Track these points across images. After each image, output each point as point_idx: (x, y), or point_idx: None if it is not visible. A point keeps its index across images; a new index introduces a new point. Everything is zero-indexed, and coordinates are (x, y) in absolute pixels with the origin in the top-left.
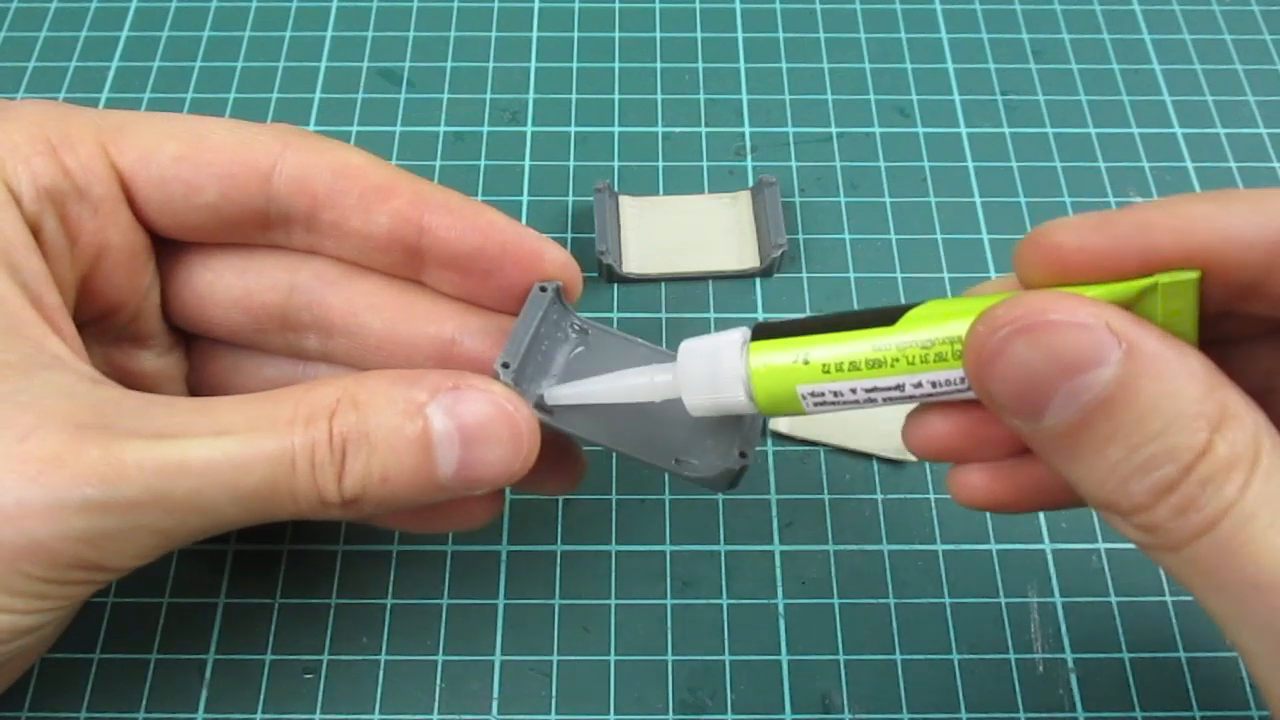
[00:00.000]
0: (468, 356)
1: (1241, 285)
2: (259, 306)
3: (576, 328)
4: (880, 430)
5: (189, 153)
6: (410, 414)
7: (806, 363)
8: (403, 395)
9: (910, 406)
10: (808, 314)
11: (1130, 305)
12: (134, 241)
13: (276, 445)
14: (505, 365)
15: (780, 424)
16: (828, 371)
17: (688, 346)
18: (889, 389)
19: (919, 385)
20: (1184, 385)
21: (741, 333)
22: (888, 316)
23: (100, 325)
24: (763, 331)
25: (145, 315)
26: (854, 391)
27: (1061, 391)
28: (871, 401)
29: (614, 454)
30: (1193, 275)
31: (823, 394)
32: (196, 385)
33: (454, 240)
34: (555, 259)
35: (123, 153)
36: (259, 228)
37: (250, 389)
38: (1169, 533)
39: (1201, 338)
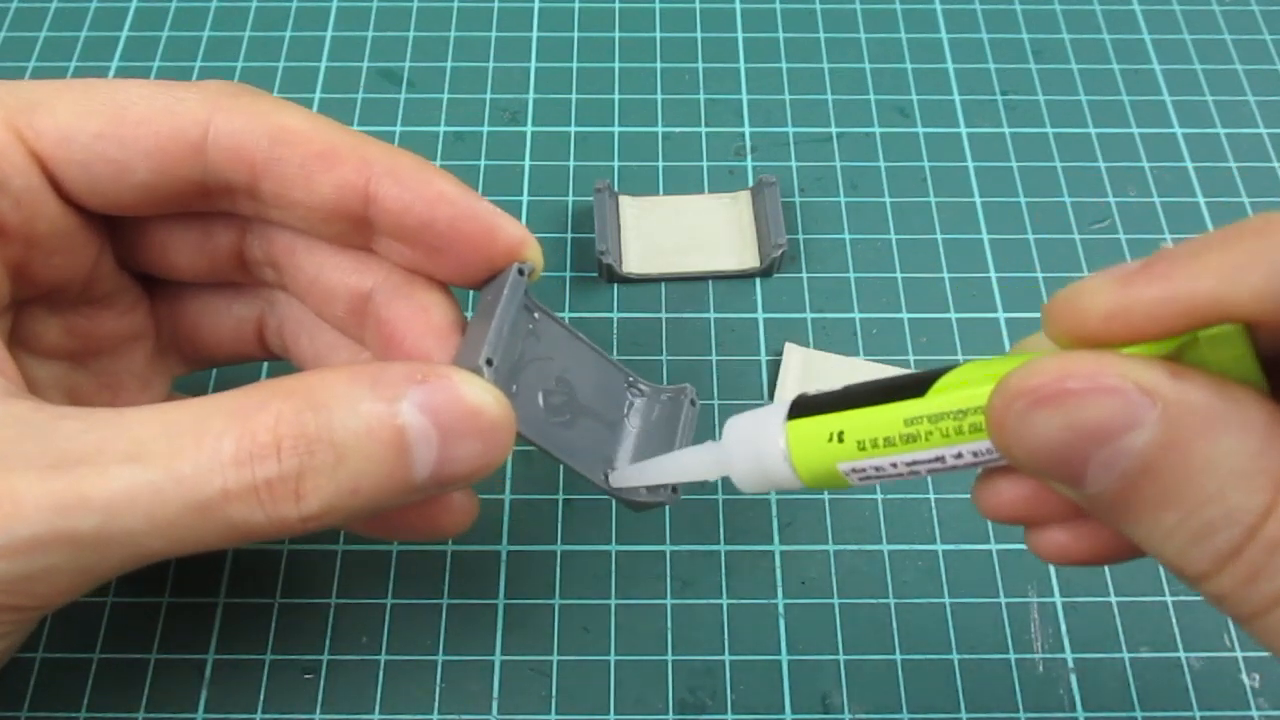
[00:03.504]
0: (380, 316)
1: None
2: (215, 247)
3: (528, 307)
4: None
5: (111, 130)
6: (380, 414)
7: (841, 440)
8: (367, 393)
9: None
10: (843, 385)
11: (1176, 357)
12: (67, 225)
13: (197, 469)
14: (489, 362)
15: None
16: (863, 448)
17: (732, 426)
18: (930, 461)
19: (959, 456)
20: (1238, 440)
21: (782, 408)
22: (919, 385)
23: (51, 297)
24: (800, 407)
25: (99, 278)
26: (894, 466)
27: (1095, 461)
28: (915, 474)
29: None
30: (1233, 329)
31: (864, 469)
32: (171, 337)
33: (401, 212)
34: (510, 236)
35: (40, 136)
36: (200, 197)
37: (224, 330)
38: (1241, 602)
39: (1275, 379)
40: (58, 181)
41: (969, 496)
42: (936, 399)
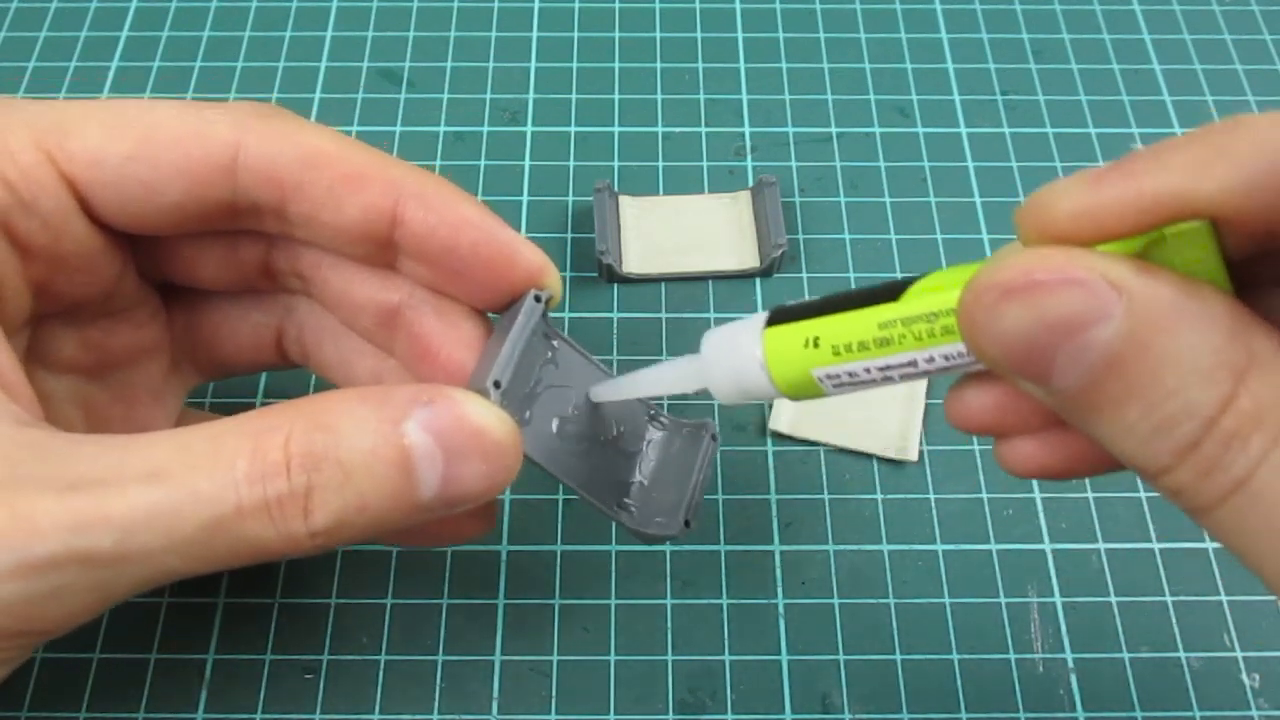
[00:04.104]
0: (412, 330)
1: (1258, 232)
2: (242, 260)
3: (547, 335)
4: (880, 430)
5: (141, 151)
6: (386, 434)
7: (816, 345)
8: (373, 414)
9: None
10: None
11: (1144, 255)
12: (93, 244)
13: (213, 487)
14: (496, 384)
15: (780, 423)
16: (838, 353)
17: (710, 336)
18: (902, 366)
19: (931, 360)
20: (1202, 334)
21: (761, 318)
22: (893, 291)
23: (70, 312)
24: (779, 316)
25: (120, 292)
26: (868, 371)
27: (1062, 354)
28: (889, 380)
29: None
30: (1200, 225)
31: (838, 375)
32: (188, 347)
33: (426, 235)
34: (529, 262)
35: (70, 157)
36: (228, 217)
37: (242, 338)
38: (1197, 495)
39: (1240, 281)
40: (87, 202)
41: (968, 496)
42: (910, 303)
